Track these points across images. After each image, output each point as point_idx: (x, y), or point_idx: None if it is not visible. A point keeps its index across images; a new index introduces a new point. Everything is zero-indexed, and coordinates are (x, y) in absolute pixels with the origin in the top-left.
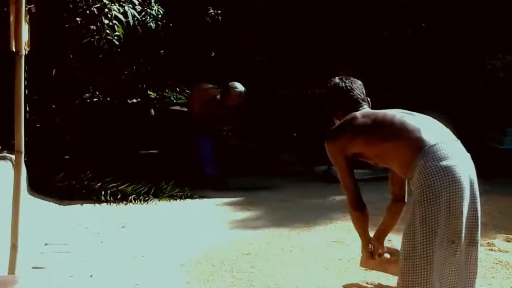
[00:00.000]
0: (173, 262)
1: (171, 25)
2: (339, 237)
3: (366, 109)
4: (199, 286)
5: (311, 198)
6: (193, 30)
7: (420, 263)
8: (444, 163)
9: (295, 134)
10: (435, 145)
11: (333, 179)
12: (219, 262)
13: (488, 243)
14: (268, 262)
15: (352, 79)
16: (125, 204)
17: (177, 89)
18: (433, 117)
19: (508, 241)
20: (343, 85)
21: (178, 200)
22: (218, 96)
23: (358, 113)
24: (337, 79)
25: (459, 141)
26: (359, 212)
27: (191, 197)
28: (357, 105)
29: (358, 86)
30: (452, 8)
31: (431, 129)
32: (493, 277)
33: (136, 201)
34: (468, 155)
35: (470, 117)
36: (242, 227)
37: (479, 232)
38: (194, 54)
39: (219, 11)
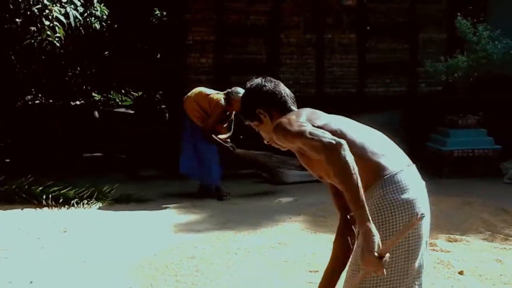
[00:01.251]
0: (116, 266)
1: (116, 26)
2: (284, 239)
3: (306, 109)
4: None
5: (256, 200)
6: (138, 31)
7: None
8: (404, 196)
9: (241, 137)
10: (395, 174)
11: (279, 182)
12: (163, 266)
13: (431, 243)
14: (213, 266)
15: (273, 78)
16: (67, 208)
17: (122, 91)
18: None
19: (450, 241)
20: (271, 84)
21: (122, 203)
22: (224, 102)
23: (307, 110)
24: (259, 79)
25: (414, 165)
26: (344, 148)
27: (136, 200)
28: (292, 105)
29: (284, 86)
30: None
31: (390, 152)
32: (435, 277)
33: (79, 205)
34: (423, 183)
35: (413, 121)
36: (186, 230)
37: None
38: (139, 55)
39: (165, 13)
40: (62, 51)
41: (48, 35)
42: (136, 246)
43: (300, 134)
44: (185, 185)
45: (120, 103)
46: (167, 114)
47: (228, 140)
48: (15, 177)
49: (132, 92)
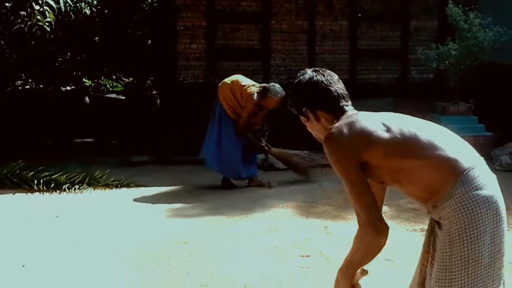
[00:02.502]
0: (108, 251)
1: (106, 11)
2: (275, 224)
3: (359, 112)
4: (135, 275)
5: (247, 186)
6: (129, 17)
7: None
8: (485, 192)
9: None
10: (471, 170)
11: (270, 168)
12: (156, 250)
13: (422, 228)
14: (205, 250)
15: (327, 71)
16: (59, 193)
17: (113, 77)
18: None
19: None
20: (321, 79)
21: (114, 188)
22: (257, 97)
23: (360, 115)
24: (311, 72)
25: (482, 158)
26: (382, 237)
27: (127, 185)
28: (341, 103)
29: (337, 80)
30: None
31: (460, 148)
32: None
33: (70, 190)
34: (495, 176)
35: (404, 108)
36: (179, 215)
37: None
38: (130, 41)
39: None
40: (52, 36)
41: (38, 20)
42: (128, 231)
43: (350, 185)
44: (176, 171)
45: (110, 89)
46: (158, 100)
47: (262, 137)
48: (5, 162)
49: (123, 78)
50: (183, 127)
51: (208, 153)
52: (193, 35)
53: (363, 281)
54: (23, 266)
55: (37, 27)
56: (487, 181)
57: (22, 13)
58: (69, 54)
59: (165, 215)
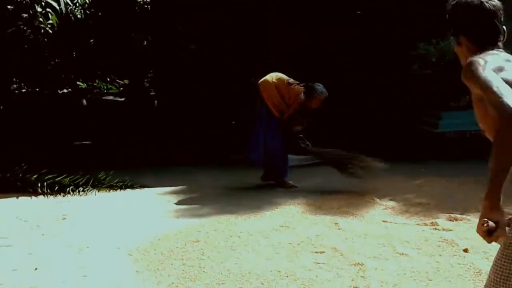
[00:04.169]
0: (120, 252)
1: (100, 14)
2: (285, 221)
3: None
4: (150, 275)
5: (251, 184)
6: (122, 19)
7: None
8: None
9: (233, 122)
10: None
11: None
12: (168, 250)
13: (432, 222)
14: (218, 249)
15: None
16: (63, 196)
17: (108, 79)
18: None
19: (451, 220)
20: (487, 6)
21: (118, 190)
22: (302, 96)
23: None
24: None
25: None
26: None
27: (132, 187)
28: (495, 40)
29: (500, 12)
30: None
31: None
32: (440, 255)
33: (75, 193)
34: None
35: (404, 104)
36: (187, 215)
37: None
38: (124, 43)
39: (148, 0)
40: (45, 39)
41: (41, 22)
42: (137, 231)
43: (485, 84)
44: (179, 171)
45: (105, 91)
46: (156, 101)
47: (302, 135)
48: (6, 166)
49: (117, 80)
50: (183, 127)
51: (257, 154)
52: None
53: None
54: (36, 269)
55: (42, 29)
56: None
57: (24, 15)
58: (63, 57)
59: (173, 215)
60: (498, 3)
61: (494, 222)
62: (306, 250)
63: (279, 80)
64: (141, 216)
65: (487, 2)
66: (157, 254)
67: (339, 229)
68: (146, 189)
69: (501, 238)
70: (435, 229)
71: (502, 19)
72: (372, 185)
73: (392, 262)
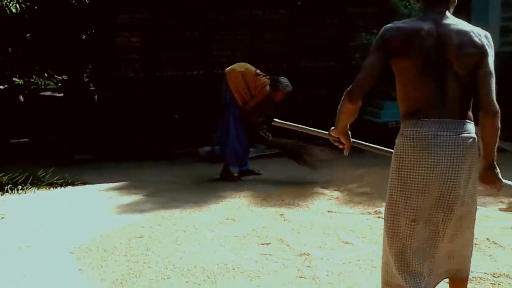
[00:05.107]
0: (62, 250)
1: (36, 8)
2: (231, 214)
3: (440, 18)
4: (93, 273)
5: (198, 178)
6: (59, 13)
7: None
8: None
9: (176, 116)
10: (425, 120)
11: (218, 160)
12: (111, 247)
13: (375, 211)
14: (163, 244)
15: None
16: (1, 195)
17: (45, 74)
18: None
19: None
20: None
21: (59, 187)
22: (268, 88)
23: (431, 24)
24: None
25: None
26: (351, 104)
27: (72, 184)
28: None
29: None
30: None
31: (441, 102)
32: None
33: (13, 191)
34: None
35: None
36: (131, 211)
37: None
38: (62, 37)
39: None
40: None
41: None
42: (80, 229)
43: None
44: (121, 167)
45: (43, 86)
46: (95, 96)
47: (265, 126)
48: None
49: (55, 76)
50: (125, 122)
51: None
52: (131, 28)
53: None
54: None
55: None
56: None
57: None
58: None
59: (116, 211)
60: None
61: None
62: (252, 242)
63: (247, 70)
64: (83, 213)
65: None
66: (100, 251)
67: (284, 220)
68: (87, 185)
69: (344, 149)
70: (379, 217)
71: None
72: (318, 175)
73: (338, 251)
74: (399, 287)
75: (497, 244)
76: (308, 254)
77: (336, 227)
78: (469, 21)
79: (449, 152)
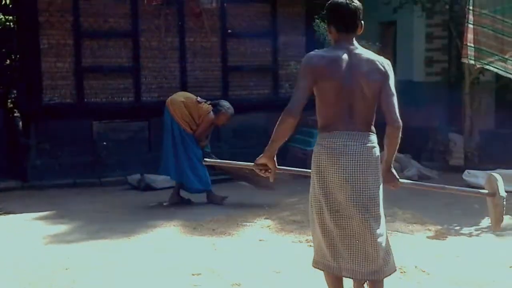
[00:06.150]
0: None
1: None
2: (161, 245)
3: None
4: None
5: (126, 207)
6: None
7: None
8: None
9: (104, 143)
10: (337, 132)
11: (147, 187)
12: (35, 279)
13: (307, 239)
14: (90, 276)
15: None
16: None
17: None
18: None
19: None
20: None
21: None
22: (212, 115)
23: (345, 53)
24: None
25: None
26: (292, 118)
27: None
28: (348, 29)
29: (355, 9)
30: None
31: (350, 118)
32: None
33: None
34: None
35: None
36: (57, 241)
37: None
38: None
39: (11, 17)
40: None
41: None
42: (3, 260)
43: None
44: (46, 196)
45: None
46: (20, 123)
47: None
48: None
49: None
50: (51, 150)
51: (170, 167)
52: (59, 53)
53: None
54: None
55: None
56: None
57: None
58: None
59: (42, 242)
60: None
61: (264, 165)
62: (184, 273)
63: (187, 99)
64: (5, 244)
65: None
66: (24, 284)
67: (216, 249)
68: (11, 215)
69: (270, 175)
70: (310, 246)
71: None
72: (249, 204)
73: (269, 281)
74: (327, 265)
75: (424, 271)
76: (240, 285)
77: (268, 256)
78: (394, 52)
79: (356, 159)
